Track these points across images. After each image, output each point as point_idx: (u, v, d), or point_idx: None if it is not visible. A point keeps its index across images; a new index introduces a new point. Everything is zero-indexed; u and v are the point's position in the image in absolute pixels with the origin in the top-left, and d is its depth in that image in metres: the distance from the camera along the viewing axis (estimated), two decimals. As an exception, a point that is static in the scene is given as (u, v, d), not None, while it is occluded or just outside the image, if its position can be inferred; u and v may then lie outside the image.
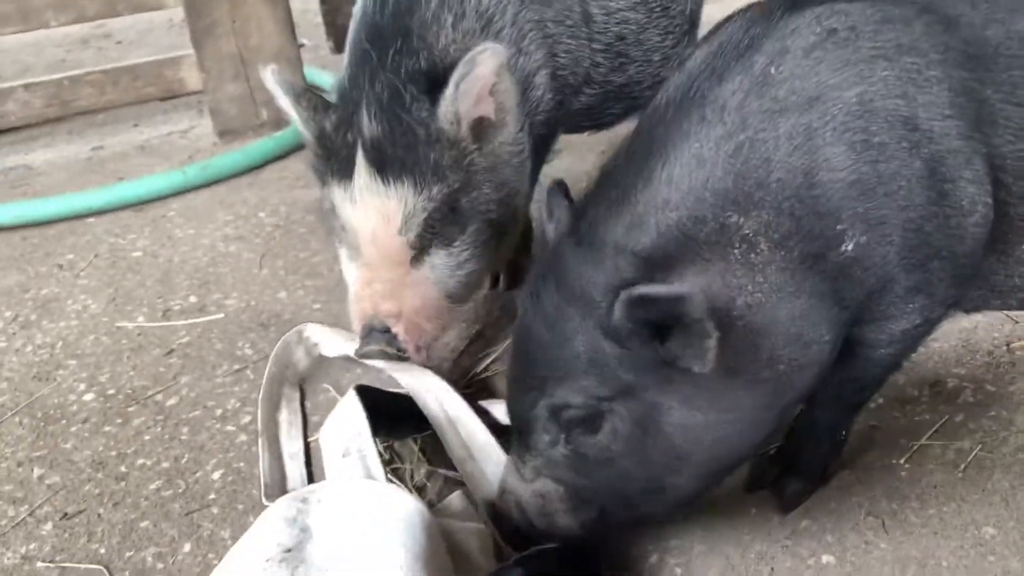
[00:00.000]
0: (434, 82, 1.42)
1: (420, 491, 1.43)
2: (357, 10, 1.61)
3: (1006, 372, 1.58)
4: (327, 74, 3.15)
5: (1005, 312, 1.71)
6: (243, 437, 1.61)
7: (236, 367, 1.80)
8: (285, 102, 1.55)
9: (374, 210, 1.45)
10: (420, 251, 1.49)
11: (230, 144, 2.81)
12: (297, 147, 2.69)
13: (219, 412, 1.68)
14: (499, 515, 1.26)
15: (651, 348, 1.08)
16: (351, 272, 1.55)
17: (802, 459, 1.37)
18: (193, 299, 2.05)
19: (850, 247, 1.11)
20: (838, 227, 1.11)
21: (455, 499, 1.38)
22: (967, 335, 1.68)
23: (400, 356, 1.49)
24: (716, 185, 1.09)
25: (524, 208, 1.71)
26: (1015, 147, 1.16)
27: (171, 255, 2.25)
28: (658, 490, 1.19)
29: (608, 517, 1.22)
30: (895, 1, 1.17)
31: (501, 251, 1.66)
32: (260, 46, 2.74)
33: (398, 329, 1.49)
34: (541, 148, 1.76)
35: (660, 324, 1.05)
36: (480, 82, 1.41)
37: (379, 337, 1.49)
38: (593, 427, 1.14)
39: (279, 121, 2.80)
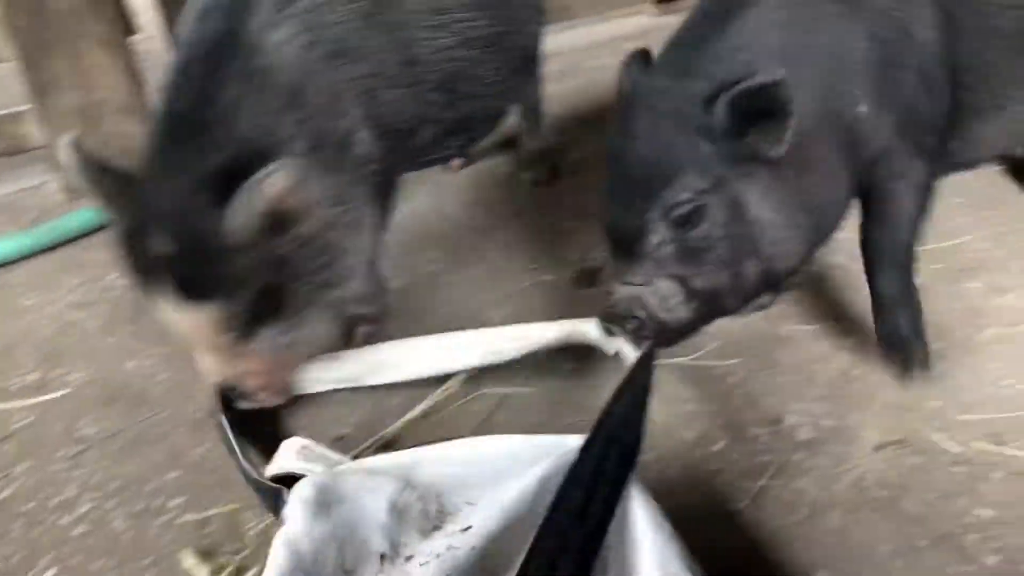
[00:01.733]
0: (233, 179, 1.35)
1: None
2: (160, 94, 1.52)
3: (843, 404, 1.62)
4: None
5: (845, 341, 1.77)
6: (80, 529, 1.54)
7: (77, 449, 1.72)
8: (82, 183, 1.46)
9: (189, 322, 1.46)
10: (248, 336, 1.50)
11: (81, 201, 2.70)
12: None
13: (56, 501, 1.61)
14: (617, 317, 1.47)
15: (737, 143, 1.37)
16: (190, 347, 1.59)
17: (904, 331, 1.65)
18: (34, 376, 1.95)
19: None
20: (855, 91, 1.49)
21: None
22: (807, 366, 1.72)
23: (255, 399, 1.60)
24: (773, 42, 1.44)
25: (374, 250, 1.73)
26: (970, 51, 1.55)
27: (14, 327, 2.14)
28: (750, 271, 1.47)
29: (715, 303, 1.49)
30: None
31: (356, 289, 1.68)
32: (105, 98, 2.64)
33: (249, 386, 1.58)
34: (385, 190, 1.77)
35: (751, 117, 1.33)
36: (268, 203, 1.37)
37: (235, 395, 1.59)
38: (696, 220, 1.41)
39: (132, 173, 2.72)
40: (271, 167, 1.35)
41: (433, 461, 1.30)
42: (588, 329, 1.63)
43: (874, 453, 1.51)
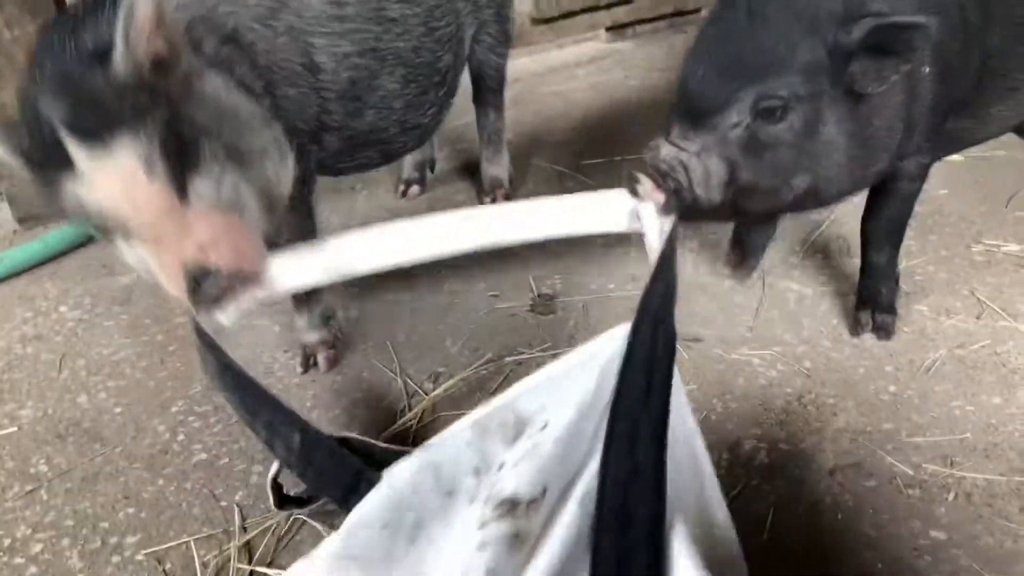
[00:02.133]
0: (102, 51, 1.40)
1: None
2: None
3: (799, 429, 1.64)
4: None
5: (799, 366, 1.80)
6: (33, 569, 1.51)
7: (29, 487, 1.69)
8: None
9: (113, 175, 1.40)
10: (179, 190, 1.44)
11: (32, 231, 2.66)
12: (103, 230, 2.59)
13: (7, 543, 1.57)
14: (659, 172, 1.46)
15: (846, 68, 1.46)
16: (139, 254, 1.49)
17: (883, 297, 1.89)
18: (-16, 412, 1.92)
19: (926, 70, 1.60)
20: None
21: None
22: (763, 391, 1.74)
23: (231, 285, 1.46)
24: None
25: (277, 172, 1.67)
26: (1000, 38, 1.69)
27: (-38, 362, 2.10)
28: (797, 185, 1.54)
29: (749, 200, 1.54)
30: None
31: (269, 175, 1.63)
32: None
33: (215, 262, 1.44)
34: (303, 182, 1.78)
35: (873, 48, 1.43)
36: (145, 24, 1.39)
37: (209, 281, 1.44)
38: (777, 118, 1.47)
39: (83, 203, 2.68)
40: None
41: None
42: (610, 208, 1.50)
43: (829, 477, 1.53)
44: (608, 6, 3.75)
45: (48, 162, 1.42)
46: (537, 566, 1.03)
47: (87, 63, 1.40)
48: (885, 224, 1.84)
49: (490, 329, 2.02)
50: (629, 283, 2.13)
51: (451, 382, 1.85)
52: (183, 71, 1.47)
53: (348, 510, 1.21)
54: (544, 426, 1.20)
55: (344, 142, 1.89)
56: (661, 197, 1.44)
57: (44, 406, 1.92)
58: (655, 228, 1.42)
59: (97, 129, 1.39)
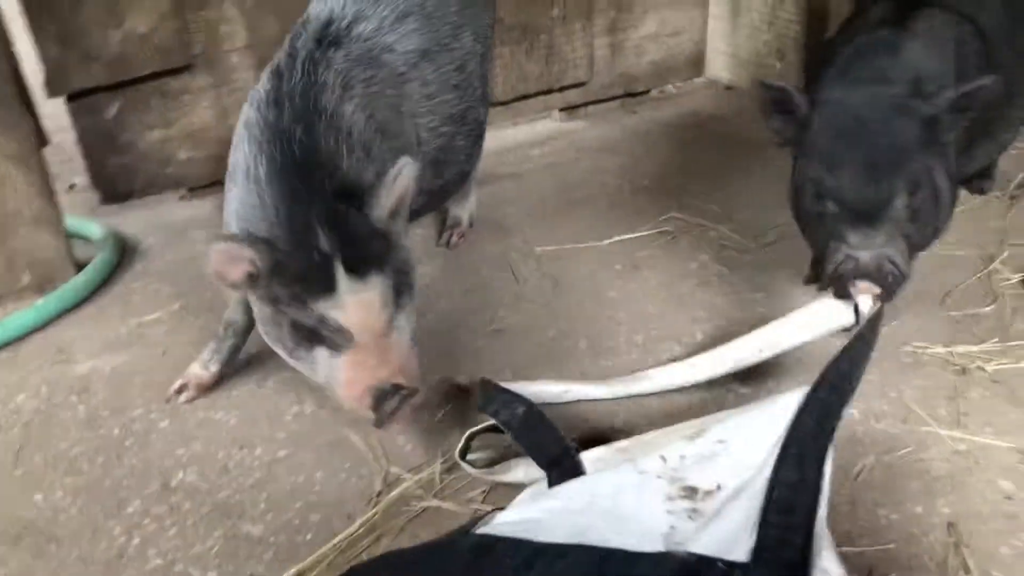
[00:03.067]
0: (355, 194, 1.81)
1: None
2: (249, 164, 1.86)
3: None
4: (94, 224, 3.08)
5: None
6: None
7: (-17, 594, 1.71)
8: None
9: (361, 305, 1.75)
10: (391, 320, 1.80)
11: (-9, 311, 2.68)
12: (60, 314, 2.62)
13: (-39, 653, 1.59)
14: (872, 275, 1.88)
15: (936, 131, 1.89)
16: (334, 365, 1.78)
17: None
18: (-64, 513, 1.93)
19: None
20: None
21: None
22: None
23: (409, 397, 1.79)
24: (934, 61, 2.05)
25: None
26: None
27: (-85, 456, 2.11)
28: (928, 234, 2.00)
29: (915, 260, 1.98)
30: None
31: None
32: (17, 210, 2.64)
33: (400, 384, 1.76)
34: None
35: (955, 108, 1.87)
36: (407, 191, 1.83)
37: (390, 401, 1.75)
38: (920, 188, 1.87)
39: (42, 285, 2.71)
40: (401, 161, 1.81)
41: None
42: (829, 313, 2.01)
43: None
44: (561, 89, 3.87)
45: (309, 281, 1.73)
46: (709, 532, 1.30)
47: (347, 208, 1.78)
48: None
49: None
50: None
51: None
52: (402, 219, 1.87)
53: (549, 475, 1.67)
54: (720, 441, 1.56)
55: (422, 201, 2.25)
56: (878, 290, 1.88)
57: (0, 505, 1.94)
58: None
59: (360, 266, 1.74)
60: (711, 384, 2.11)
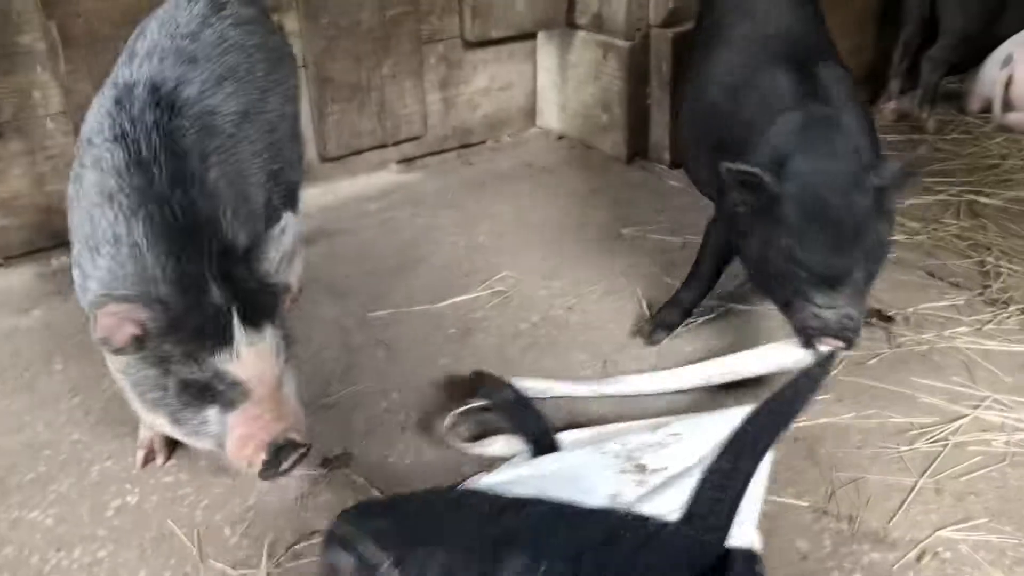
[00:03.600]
0: (236, 253, 1.88)
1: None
2: (118, 231, 1.85)
3: None
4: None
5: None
6: None
7: None
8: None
9: (257, 356, 1.81)
10: (283, 373, 1.88)
11: None
12: None
13: None
14: (835, 332, 2.13)
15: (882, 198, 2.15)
16: (226, 423, 1.82)
17: None
18: None
19: None
20: None
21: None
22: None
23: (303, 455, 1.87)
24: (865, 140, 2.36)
25: None
26: None
27: None
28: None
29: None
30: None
31: None
32: None
33: (294, 439, 1.84)
34: None
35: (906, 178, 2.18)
36: (292, 242, 1.90)
37: (286, 454, 1.83)
38: (874, 254, 2.16)
39: None
40: (285, 218, 1.91)
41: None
42: (788, 353, 2.28)
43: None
44: (396, 143, 3.91)
45: (200, 338, 1.75)
46: (650, 501, 1.65)
47: (244, 263, 1.86)
48: None
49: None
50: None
51: None
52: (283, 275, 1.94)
53: (531, 450, 2.04)
54: (675, 434, 1.95)
55: None
56: (840, 343, 2.12)
57: None
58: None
59: (254, 318, 1.81)
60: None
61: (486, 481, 1.82)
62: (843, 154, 2.15)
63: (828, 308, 2.11)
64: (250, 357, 1.78)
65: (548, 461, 1.93)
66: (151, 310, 1.71)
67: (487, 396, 2.17)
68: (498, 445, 2.16)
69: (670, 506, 1.48)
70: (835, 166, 2.13)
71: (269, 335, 1.83)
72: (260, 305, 1.82)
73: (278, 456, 1.80)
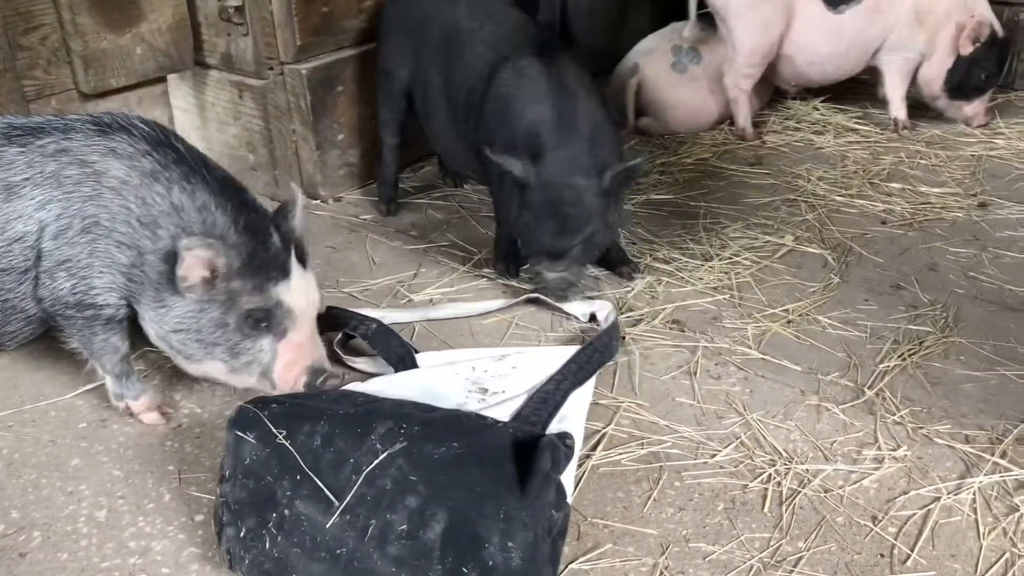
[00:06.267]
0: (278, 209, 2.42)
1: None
2: (179, 199, 2.21)
3: None
4: None
5: None
6: None
7: None
8: None
9: (306, 288, 2.30)
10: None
11: None
12: None
13: None
14: (560, 288, 2.92)
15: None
16: (276, 351, 2.29)
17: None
18: None
19: None
20: None
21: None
22: None
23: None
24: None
25: None
26: None
27: None
28: (605, 246, 3.06)
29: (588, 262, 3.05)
30: None
31: None
32: None
33: (325, 364, 2.36)
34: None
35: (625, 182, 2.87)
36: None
37: (322, 379, 2.31)
38: (593, 237, 2.85)
39: None
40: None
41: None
42: (580, 308, 2.95)
43: None
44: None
45: (266, 271, 2.21)
46: (489, 411, 2.18)
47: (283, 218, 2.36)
48: None
49: None
50: None
51: None
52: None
53: (396, 369, 2.53)
54: (515, 367, 2.46)
55: None
56: (558, 297, 2.93)
57: None
58: (577, 310, 2.96)
59: (304, 258, 2.33)
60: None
61: (359, 387, 2.29)
62: (580, 156, 2.74)
63: (549, 272, 2.86)
64: (301, 288, 2.25)
65: (408, 376, 2.44)
66: (227, 255, 2.12)
67: (354, 328, 2.66)
68: (364, 364, 2.68)
69: (503, 419, 2.10)
70: (571, 165, 2.73)
71: (311, 273, 2.34)
72: (303, 250, 2.32)
73: (315, 380, 2.26)
